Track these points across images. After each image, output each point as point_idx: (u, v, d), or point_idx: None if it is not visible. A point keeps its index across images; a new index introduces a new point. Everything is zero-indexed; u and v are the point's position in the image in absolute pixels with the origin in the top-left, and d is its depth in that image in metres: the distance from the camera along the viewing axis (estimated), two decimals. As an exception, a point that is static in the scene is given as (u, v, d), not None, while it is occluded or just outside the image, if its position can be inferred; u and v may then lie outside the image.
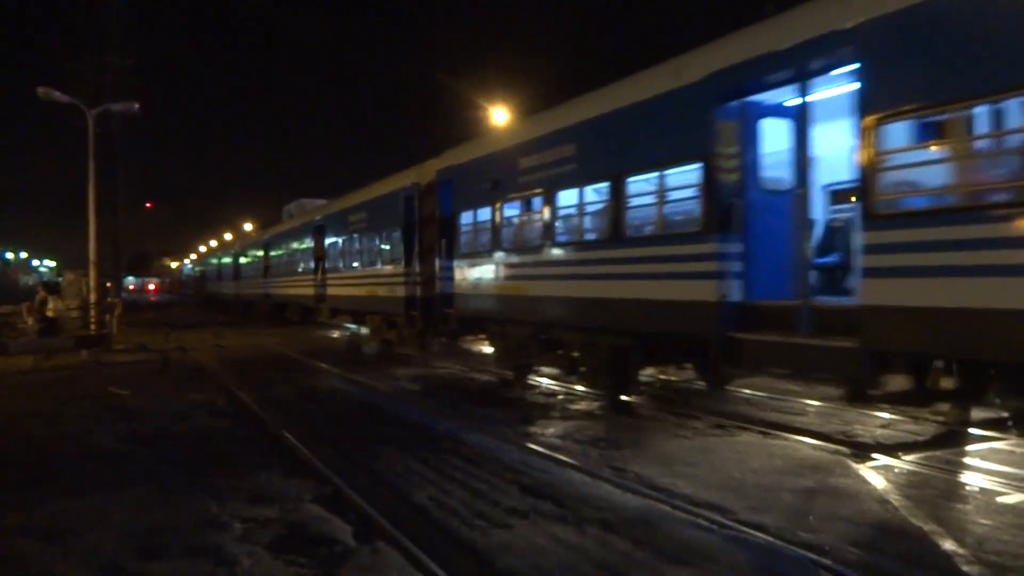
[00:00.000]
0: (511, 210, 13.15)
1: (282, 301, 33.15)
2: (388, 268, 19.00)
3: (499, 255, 13.41)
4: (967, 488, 6.93)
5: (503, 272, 13.27)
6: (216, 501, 6.98)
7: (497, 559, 5.50)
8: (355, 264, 22.05)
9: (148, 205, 75.83)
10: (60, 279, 39.03)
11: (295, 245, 30.69)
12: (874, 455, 8.05)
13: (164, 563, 5.55)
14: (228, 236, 73.76)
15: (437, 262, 16.33)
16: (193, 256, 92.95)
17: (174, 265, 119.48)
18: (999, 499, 6.56)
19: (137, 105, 27.26)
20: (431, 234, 16.79)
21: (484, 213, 13.95)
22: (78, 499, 7.17)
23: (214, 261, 59.75)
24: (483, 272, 13.99)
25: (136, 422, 10.95)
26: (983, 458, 7.83)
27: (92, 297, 25.57)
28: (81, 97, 26.71)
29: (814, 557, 5.33)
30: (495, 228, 13.54)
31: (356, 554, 5.65)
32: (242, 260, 44.45)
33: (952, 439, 8.54)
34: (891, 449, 8.26)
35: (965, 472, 7.36)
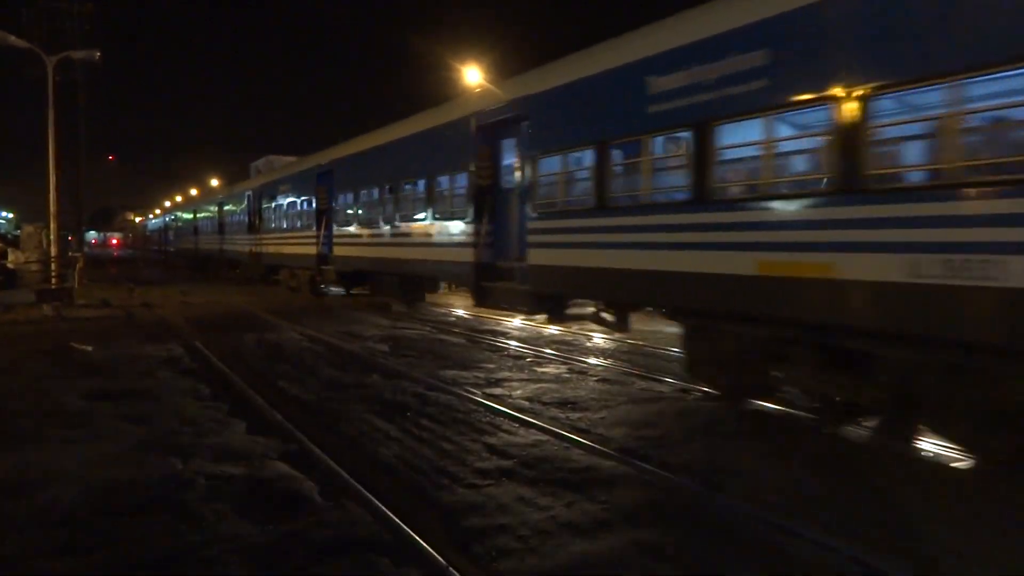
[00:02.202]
0: None
1: (361, 268, 20.10)
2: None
3: None
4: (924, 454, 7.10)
5: None
6: (180, 458, 6.94)
7: (463, 519, 5.56)
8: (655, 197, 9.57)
9: (110, 158, 74.21)
10: (18, 232, 38.14)
11: (399, 175, 17.20)
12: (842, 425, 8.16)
13: (127, 519, 5.51)
14: (193, 191, 72.37)
15: None
16: (157, 211, 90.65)
17: (138, 220, 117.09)
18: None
19: (98, 53, 26.49)
20: None
21: None
22: (38, 454, 7.09)
23: (209, 208, 42.52)
24: None
25: (98, 377, 10.80)
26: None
27: (53, 251, 25.04)
28: (39, 44, 25.87)
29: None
30: None
31: (322, 512, 5.67)
32: (270, 204, 28.83)
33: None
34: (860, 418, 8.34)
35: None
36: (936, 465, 6.87)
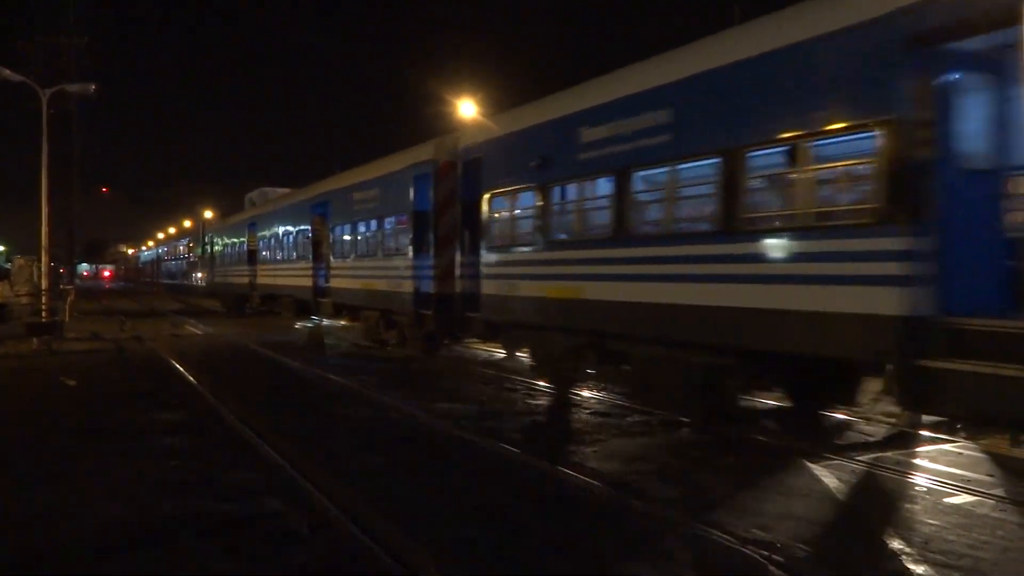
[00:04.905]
0: None
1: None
2: None
3: None
4: (916, 488, 7.10)
5: None
6: (171, 495, 6.86)
7: None
8: None
9: (104, 190, 74.28)
10: (9, 264, 38.01)
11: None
12: (827, 455, 8.19)
13: (117, 557, 5.44)
14: (187, 223, 72.52)
15: None
16: (150, 243, 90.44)
17: (130, 251, 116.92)
18: (946, 500, 6.72)
19: (93, 87, 26.67)
20: None
21: None
22: (26, 492, 7.00)
23: (279, 222, 28.33)
24: None
25: (86, 413, 10.70)
26: (932, 460, 8.03)
27: (44, 283, 24.95)
28: (34, 77, 26.05)
29: (765, 554, 5.41)
30: None
31: (315, 550, 5.60)
32: (497, 199, 13.22)
33: (903, 441, 8.75)
34: (844, 449, 8.42)
35: (914, 473, 7.53)
36: None
